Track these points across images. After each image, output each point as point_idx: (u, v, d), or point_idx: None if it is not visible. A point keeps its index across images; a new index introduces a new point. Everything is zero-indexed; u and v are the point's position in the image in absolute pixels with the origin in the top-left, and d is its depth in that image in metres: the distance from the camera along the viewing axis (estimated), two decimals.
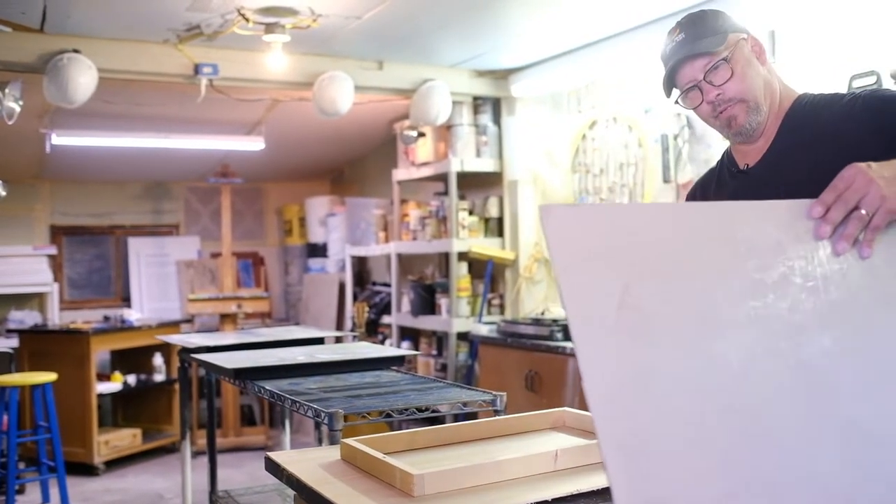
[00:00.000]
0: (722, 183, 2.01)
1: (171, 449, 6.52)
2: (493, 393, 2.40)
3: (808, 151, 1.81)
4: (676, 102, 1.93)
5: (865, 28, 3.59)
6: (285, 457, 1.79)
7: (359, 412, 2.28)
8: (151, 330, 6.41)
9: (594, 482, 1.50)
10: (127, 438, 6.31)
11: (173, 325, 6.75)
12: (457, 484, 1.51)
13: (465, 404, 2.40)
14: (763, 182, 1.88)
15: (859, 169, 1.33)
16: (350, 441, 1.73)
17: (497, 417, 2.01)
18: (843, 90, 3.55)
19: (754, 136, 1.89)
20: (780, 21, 3.86)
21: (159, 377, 6.63)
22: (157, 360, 6.61)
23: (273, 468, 1.78)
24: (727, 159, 2.02)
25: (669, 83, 1.91)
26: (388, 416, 2.32)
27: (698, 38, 1.83)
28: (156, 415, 6.77)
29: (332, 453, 1.80)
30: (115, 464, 6.17)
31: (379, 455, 1.61)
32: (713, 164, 2.16)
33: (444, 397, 2.44)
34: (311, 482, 1.60)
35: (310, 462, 1.74)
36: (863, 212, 1.29)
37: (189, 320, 7.15)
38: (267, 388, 2.64)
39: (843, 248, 1.28)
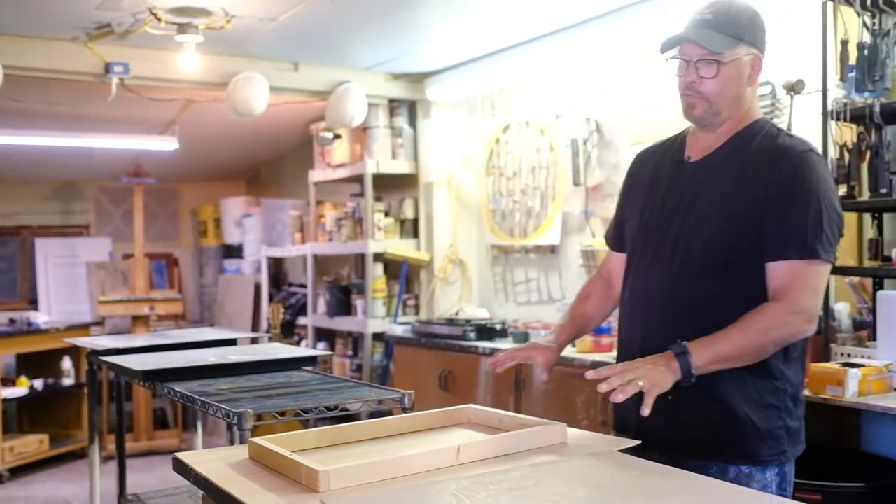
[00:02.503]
0: (661, 170, 2.19)
1: (80, 454, 6.37)
2: (402, 391, 2.46)
3: (735, 169, 2.03)
4: (667, 59, 2.11)
5: None
6: (193, 457, 1.80)
7: (268, 412, 2.30)
8: (59, 333, 6.25)
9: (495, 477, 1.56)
10: (33, 444, 6.15)
11: (83, 328, 6.60)
12: (362, 479, 1.55)
13: (375, 403, 2.44)
14: (694, 180, 2.09)
15: (633, 363, 1.88)
16: (257, 440, 1.76)
17: (404, 415, 2.06)
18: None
19: (706, 127, 2.09)
20: None
21: (68, 381, 6.48)
22: (66, 363, 6.45)
23: (181, 468, 1.79)
24: (679, 143, 2.20)
25: (673, 44, 2.08)
26: (298, 415, 2.35)
27: (716, 29, 2.00)
28: (64, 420, 6.61)
29: (240, 453, 1.82)
30: (20, 471, 6.00)
31: (285, 452, 1.64)
32: (622, 167, 2.31)
33: (353, 396, 2.47)
34: (218, 481, 1.62)
35: (218, 461, 1.76)
36: (640, 383, 1.80)
37: (100, 323, 6.99)
38: (177, 389, 2.63)
39: (619, 398, 1.79)
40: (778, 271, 1.95)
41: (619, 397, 1.78)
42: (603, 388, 1.80)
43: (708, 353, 1.88)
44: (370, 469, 1.57)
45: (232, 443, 2.79)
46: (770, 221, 1.95)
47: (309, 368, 3.10)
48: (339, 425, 1.92)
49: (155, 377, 2.81)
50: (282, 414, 2.32)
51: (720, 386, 1.94)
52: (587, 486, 1.53)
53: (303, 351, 3.35)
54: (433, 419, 2.01)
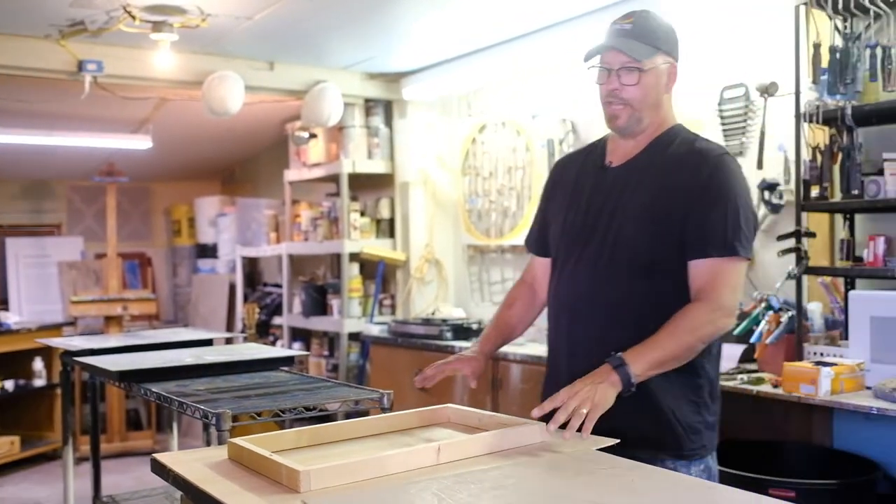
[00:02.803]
0: (584, 175, 2.23)
1: (53, 456, 6.31)
2: (380, 391, 2.46)
3: (655, 173, 2.10)
4: (589, 68, 2.19)
5: (734, 45, 3.82)
6: (171, 457, 1.79)
7: (247, 412, 2.30)
8: (31, 333, 6.18)
9: (476, 476, 1.57)
10: (4, 446, 6.07)
11: (55, 328, 6.53)
12: (343, 479, 1.55)
13: (353, 403, 2.44)
14: (617, 184, 2.14)
15: (573, 387, 1.87)
16: (237, 440, 1.75)
17: (383, 415, 2.07)
18: (717, 103, 3.77)
19: (628, 135, 2.15)
20: None
21: (39, 382, 6.40)
22: (38, 364, 6.38)
23: (159, 469, 1.78)
24: (600, 149, 2.25)
25: (596, 52, 2.14)
26: (276, 415, 2.34)
27: (636, 38, 2.08)
28: (36, 421, 6.53)
29: (219, 453, 1.81)
30: None
31: (265, 453, 1.64)
32: None
33: (332, 396, 2.47)
34: (197, 481, 1.61)
35: (196, 462, 1.75)
36: (583, 410, 1.79)
37: (72, 323, 6.92)
38: (153, 390, 2.62)
39: (567, 436, 1.76)
40: (699, 270, 2.02)
41: (567, 436, 1.77)
42: (551, 428, 1.80)
43: (644, 361, 1.93)
44: (351, 469, 1.57)
45: (208, 443, 2.78)
46: (691, 222, 2.02)
47: (286, 369, 3.09)
48: (317, 426, 1.91)
49: (131, 378, 2.79)
50: (259, 414, 2.32)
51: (649, 383, 1.99)
52: (567, 484, 1.54)
53: (280, 351, 3.34)
54: (413, 419, 2.02)
